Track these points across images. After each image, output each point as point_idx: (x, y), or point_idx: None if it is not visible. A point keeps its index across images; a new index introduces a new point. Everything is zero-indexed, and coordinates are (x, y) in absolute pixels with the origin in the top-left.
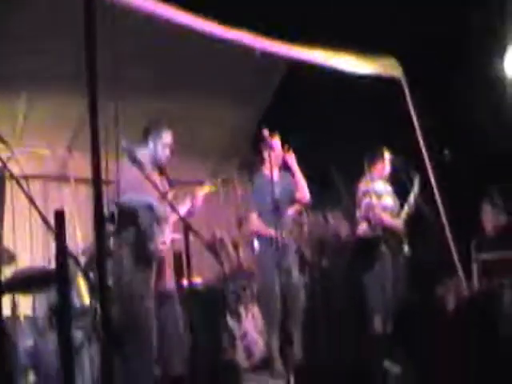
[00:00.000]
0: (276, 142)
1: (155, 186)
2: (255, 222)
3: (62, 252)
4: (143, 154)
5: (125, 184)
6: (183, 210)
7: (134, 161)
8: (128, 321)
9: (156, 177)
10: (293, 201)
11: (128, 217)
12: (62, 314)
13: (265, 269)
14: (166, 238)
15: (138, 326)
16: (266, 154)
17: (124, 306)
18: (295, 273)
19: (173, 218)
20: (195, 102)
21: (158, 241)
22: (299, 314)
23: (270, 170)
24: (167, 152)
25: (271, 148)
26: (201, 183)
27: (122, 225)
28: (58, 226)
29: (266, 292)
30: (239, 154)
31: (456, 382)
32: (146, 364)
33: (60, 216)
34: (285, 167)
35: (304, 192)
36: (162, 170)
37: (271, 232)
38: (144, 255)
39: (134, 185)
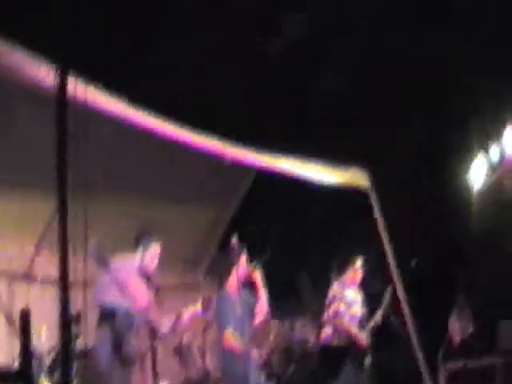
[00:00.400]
0: (242, 261)
1: (130, 295)
2: (230, 340)
3: (27, 351)
4: (130, 259)
5: (100, 288)
6: (167, 324)
7: (102, 263)
8: None
9: (139, 284)
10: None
11: (107, 319)
12: None
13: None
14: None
15: None
16: (233, 268)
17: None
18: None
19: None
20: (164, 206)
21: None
22: None
23: (232, 287)
24: (155, 262)
25: (236, 263)
26: (170, 288)
27: (101, 325)
28: (23, 324)
29: None
30: (206, 258)
31: None
32: None
33: (25, 315)
34: (248, 282)
35: (263, 309)
36: (148, 278)
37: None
38: (120, 358)
39: (110, 289)
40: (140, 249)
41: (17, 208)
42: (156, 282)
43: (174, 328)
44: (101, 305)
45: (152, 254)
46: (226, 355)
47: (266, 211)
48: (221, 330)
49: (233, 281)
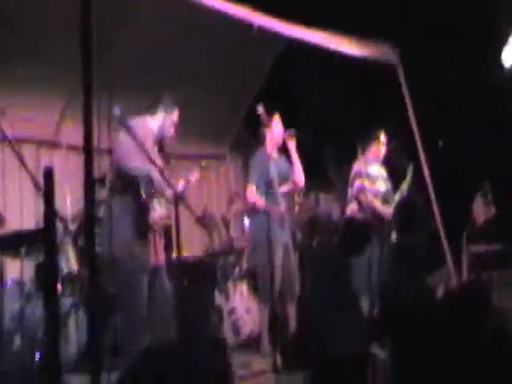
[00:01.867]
0: (276, 121)
1: (150, 159)
2: (252, 194)
3: (51, 212)
4: (149, 123)
5: (123, 153)
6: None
7: (127, 128)
8: (122, 291)
9: (154, 151)
10: (287, 183)
11: (130, 185)
12: (48, 277)
13: (260, 243)
14: (163, 213)
15: (131, 296)
16: (264, 133)
17: (119, 276)
18: (292, 250)
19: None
20: (188, 78)
21: (157, 214)
22: (294, 293)
23: (269, 148)
24: (172, 131)
25: (269, 127)
26: (194, 158)
27: (122, 192)
28: (47, 185)
29: (260, 267)
30: (232, 132)
31: (444, 369)
32: (136, 334)
33: (49, 175)
34: (283, 150)
35: (300, 177)
36: (162, 148)
37: (267, 206)
38: (144, 227)
39: (133, 154)
40: (160, 113)
41: (44, 73)
42: (169, 153)
43: (184, 190)
44: (124, 169)
45: (172, 119)
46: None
47: (293, 84)
48: (247, 183)
49: (269, 142)
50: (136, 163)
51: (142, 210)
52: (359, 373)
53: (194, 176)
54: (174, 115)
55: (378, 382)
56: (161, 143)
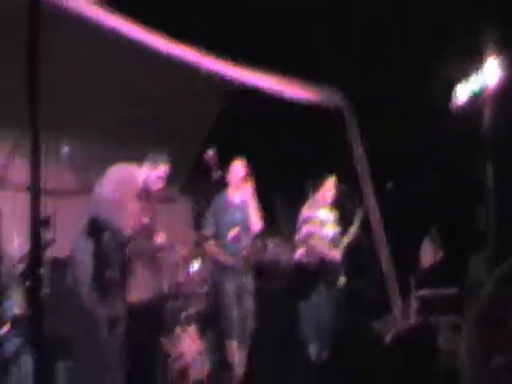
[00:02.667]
0: (238, 165)
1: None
2: (213, 247)
3: None
4: (135, 172)
5: (100, 202)
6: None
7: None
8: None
9: (135, 201)
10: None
11: (95, 233)
12: None
13: (222, 296)
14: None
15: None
16: (216, 177)
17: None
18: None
19: None
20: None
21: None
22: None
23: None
24: (160, 184)
25: (228, 171)
26: None
27: (86, 238)
28: None
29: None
30: (181, 176)
31: None
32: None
33: None
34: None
35: (257, 224)
36: (148, 198)
37: (228, 260)
38: (103, 278)
39: (110, 205)
40: (147, 164)
41: None
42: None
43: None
44: (93, 217)
45: (159, 173)
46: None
47: (242, 129)
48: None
49: (230, 186)
50: (107, 213)
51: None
52: None
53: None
54: (162, 170)
55: None
56: (147, 194)
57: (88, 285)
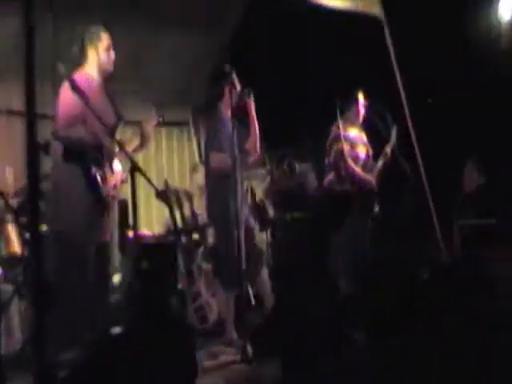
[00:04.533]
0: (234, 82)
1: (100, 118)
2: (219, 159)
3: None
4: (87, 71)
5: (67, 116)
6: (131, 147)
7: (74, 88)
8: (68, 273)
9: (104, 101)
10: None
11: (75, 154)
12: None
13: (224, 219)
14: (116, 181)
15: (79, 279)
16: (227, 93)
17: (66, 257)
18: (256, 227)
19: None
20: (145, 33)
21: (109, 184)
22: (262, 275)
23: (231, 111)
24: (111, 55)
25: (233, 87)
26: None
27: (67, 162)
28: None
29: (221, 247)
30: (194, 95)
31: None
32: (81, 316)
33: None
34: (241, 112)
35: (255, 145)
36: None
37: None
38: (95, 201)
39: (79, 117)
40: (89, 48)
41: None
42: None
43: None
44: (68, 136)
45: (104, 46)
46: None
47: (263, 41)
48: (208, 151)
49: (226, 104)
50: (82, 128)
51: (91, 181)
52: (337, 361)
53: (147, 130)
54: (105, 40)
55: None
56: (106, 76)
57: (79, 214)
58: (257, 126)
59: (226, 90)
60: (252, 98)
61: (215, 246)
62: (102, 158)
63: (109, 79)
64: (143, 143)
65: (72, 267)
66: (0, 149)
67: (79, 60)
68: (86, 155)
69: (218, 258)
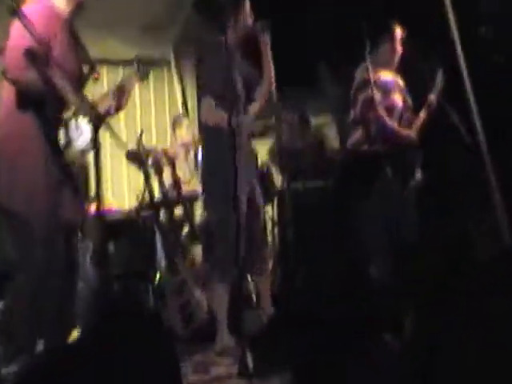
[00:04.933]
0: (245, 7)
1: (61, 65)
2: (210, 111)
3: None
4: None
5: (18, 57)
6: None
7: (25, 24)
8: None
9: (70, 43)
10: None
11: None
12: None
13: (217, 189)
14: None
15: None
16: (232, 23)
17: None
18: (260, 200)
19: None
20: None
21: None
22: (265, 260)
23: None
24: None
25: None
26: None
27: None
28: None
29: (216, 225)
30: (177, 23)
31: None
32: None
33: None
34: (251, 48)
35: (270, 85)
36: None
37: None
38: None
39: (34, 59)
40: None
41: None
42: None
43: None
44: (14, 80)
45: None
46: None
47: None
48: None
49: (230, 37)
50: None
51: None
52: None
53: (125, 91)
54: None
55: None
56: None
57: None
58: (272, 71)
59: (231, 17)
60: (268, 34)
61: (207, 224)
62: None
63: (77, 12)
64: (119, 105)
65: (30, 257)
66: None
67: None
68: (44, 107)
69: (210, 239)
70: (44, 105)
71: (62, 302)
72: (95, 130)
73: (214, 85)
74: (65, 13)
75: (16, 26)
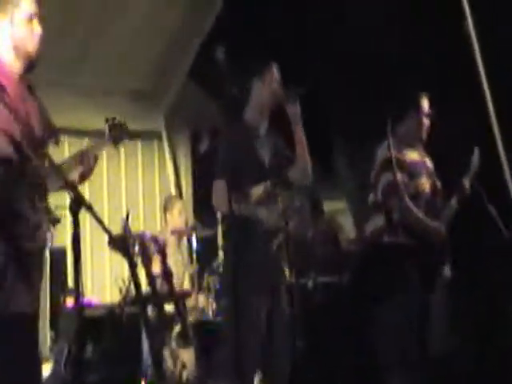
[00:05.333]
0: (271, 73)
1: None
2: (222, 197)
3: None
4: None
5: None
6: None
7: None
8: None
9: (23, 100)
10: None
11: None
12: None
13: (234, 290)
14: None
15: None
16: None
17: None
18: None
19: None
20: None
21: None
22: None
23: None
24: (36, 29)
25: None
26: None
27: None
28: None
29: (230, 326)
30: (170, 92)
31: None
32: None
33: None
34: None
35: (305, 168)
36: (30, 66)
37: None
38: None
39: None
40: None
41: None
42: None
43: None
44: None
45: (24, 14)
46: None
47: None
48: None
49: (254, 106)
50: None
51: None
52: None
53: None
54: (26, 7)
55: None
56: (26, 59)
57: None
58: (306, 148)
59: (259, 83)
60: (298, 104)
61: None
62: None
63: (32, 67)
64: (85, 174)
65: None
66: None
67: None
68: None
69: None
70: None
71: None
72: (73, 211)
73: (229, 164)
74: (15, 68)
75: None
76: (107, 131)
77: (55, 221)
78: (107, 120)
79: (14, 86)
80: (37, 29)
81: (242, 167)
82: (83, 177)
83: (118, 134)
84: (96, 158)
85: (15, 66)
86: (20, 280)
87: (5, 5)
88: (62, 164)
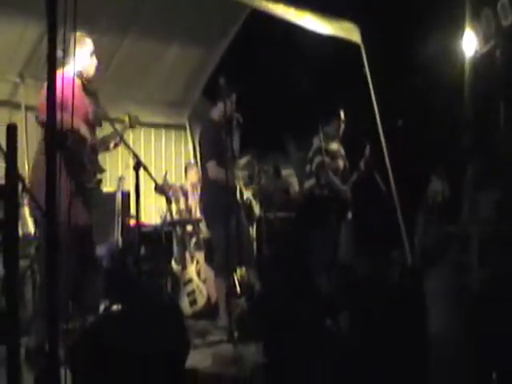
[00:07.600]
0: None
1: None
2: (215, 170)
3: (13, 169)
4: (66, 72)
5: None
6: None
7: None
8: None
9: (83, 100)
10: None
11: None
12: (8, 233)
13: (216, 217)
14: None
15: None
16: (220, 106)
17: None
18: (245, 222)
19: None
20: (147, 41)
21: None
22: (251, 265)
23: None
24: (94, 61)
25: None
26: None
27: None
28: (10, 141)
29: (217, 240)
30: (190, 102)
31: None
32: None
33: (12, 131)
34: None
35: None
36: (91, 92)
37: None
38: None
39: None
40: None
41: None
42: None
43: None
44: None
45: (87, 50)
46: (209, 189)
47: (255, 56)
48: (206, 161)
49: (219, 113)
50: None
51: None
52: (314, 345)
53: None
54: (89, 45)
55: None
56: (87, 82)
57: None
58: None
59: (221, 102)
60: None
61: (208, 239)
62: (82, 148)
63: (91, 82)
64: (117, 143)
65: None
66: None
67: (62, 61)
68: (66, 141)
69: (210, 248)
70: (65, 140)
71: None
72: (136, 169)
73: (210, 151)
74: (78, 82)
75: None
76: (127, 120)
77: (103, 171)
78: (127, 113)
79: (75, 91)
80: (94, 60)
81: (222, 151)
82: (116, 145)
83: (133, 122)
84: (109, 145)
85: (77, 81)
86: (82, 205)
87: (79, 45)
88: (105, 137)
